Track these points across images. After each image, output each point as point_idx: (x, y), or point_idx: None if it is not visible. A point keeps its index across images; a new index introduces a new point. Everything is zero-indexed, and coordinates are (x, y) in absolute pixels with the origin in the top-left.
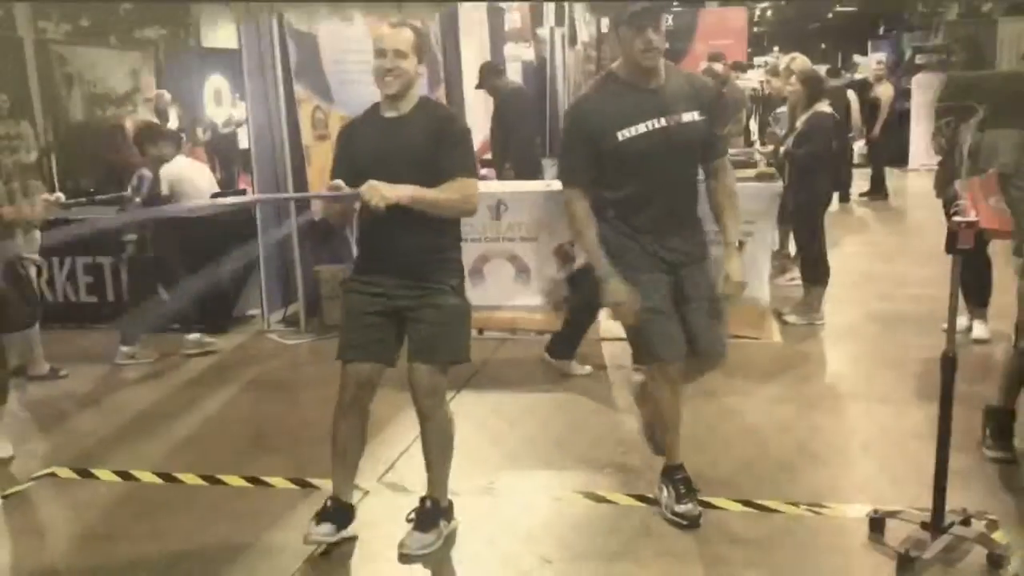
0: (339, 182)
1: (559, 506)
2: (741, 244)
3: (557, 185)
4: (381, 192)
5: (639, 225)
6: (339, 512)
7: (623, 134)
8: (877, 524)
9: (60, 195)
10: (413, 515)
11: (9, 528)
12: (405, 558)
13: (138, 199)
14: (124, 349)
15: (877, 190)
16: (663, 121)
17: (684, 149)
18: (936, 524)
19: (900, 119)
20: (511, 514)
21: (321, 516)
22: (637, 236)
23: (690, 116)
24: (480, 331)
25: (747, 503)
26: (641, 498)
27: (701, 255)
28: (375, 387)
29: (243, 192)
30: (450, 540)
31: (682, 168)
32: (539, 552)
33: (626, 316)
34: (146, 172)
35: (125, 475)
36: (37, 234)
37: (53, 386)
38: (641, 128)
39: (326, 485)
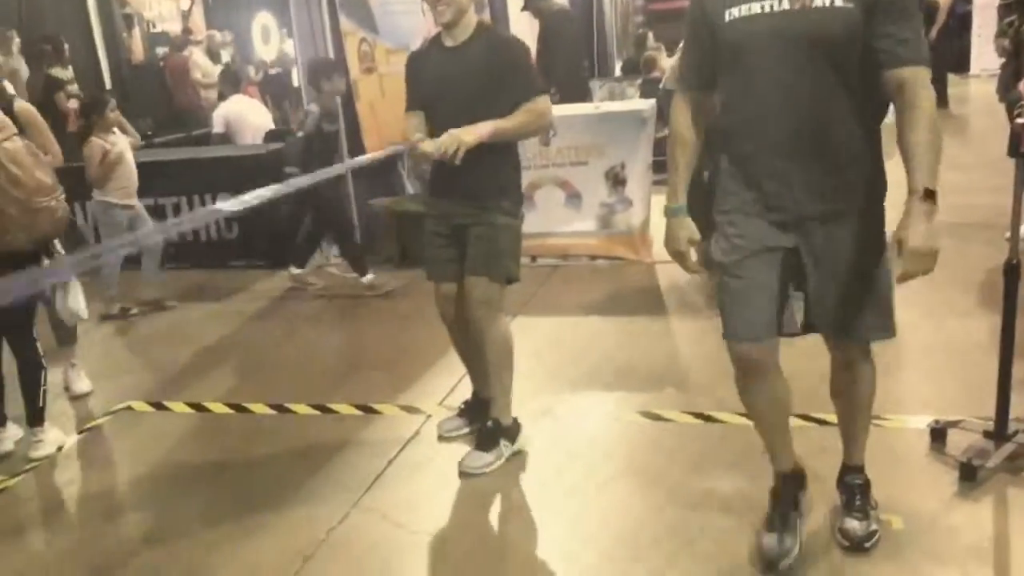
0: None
1: (619, 426)
2: (934, 195)
3: (606, 107)
4: (461, 139)
5: (748, 158)
6: (472, 407)
7: (731, 13)
8: (938, 434)
9: None
10: (476, 434)
11: (90, 457)
12: (464, 476)
13: (301, 132)
14: (295, 271)
15: (938, 98)
16: (784, 3)
17: (815, 45)
18: (1000, 432)
19: (961, 23)
20: (571, 436)
21: (457, 413)
22: (745, 174)
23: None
24: (533, 258)
25: (806, 417)
26: (700, 416)
27: (851, 206)
28: (459, 303)
29: (295, 134)
30: (513, 461)
31: (814, 74)
32: (601, 472)
33: (685, 268)
34: (313, 107)
35: (197, 406)
36: (127, 180)
37: (125, 325)
38: (755, 7)
39: (389, 411)
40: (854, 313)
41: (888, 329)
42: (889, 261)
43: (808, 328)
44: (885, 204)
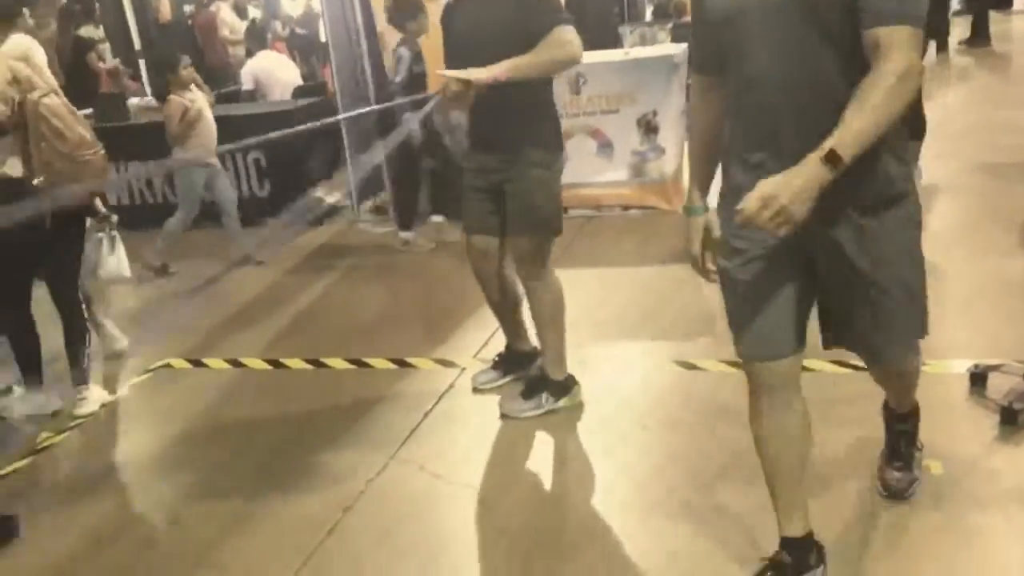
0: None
1: (653, 375)
2: (836, 160)
3: (637, 53)
4: (471, 75)
5: (746, 147)
6: (505, 360)
7: None
8: (978, 378)
9: (151, 99)
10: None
11: (131, 414)
12: (503, 417)
13: (398, 79)
14: (403, 235)
15: (979, 36)
16: None
17: (802, 14)
18: None
19: None
20: (605, 384)
21: (491, 365)
22: (746, 165)
23: None
24: (565, 210)
25: (841, 363)
26: (734, 364)
27: (865, 204)
28: (492, 256)
29: (325, 84)
30: (554, 413)
31: (806, 48)
32: (635, 419)
33: (699, 273)
34: (404, 51)
35: (235, 363)
36: (207, 137)
37: (164, 283)
38: None
39: (424, 364)
40: (879, 332)
41: (919, 330)
42: (917, 251)
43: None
44: (910, 188)
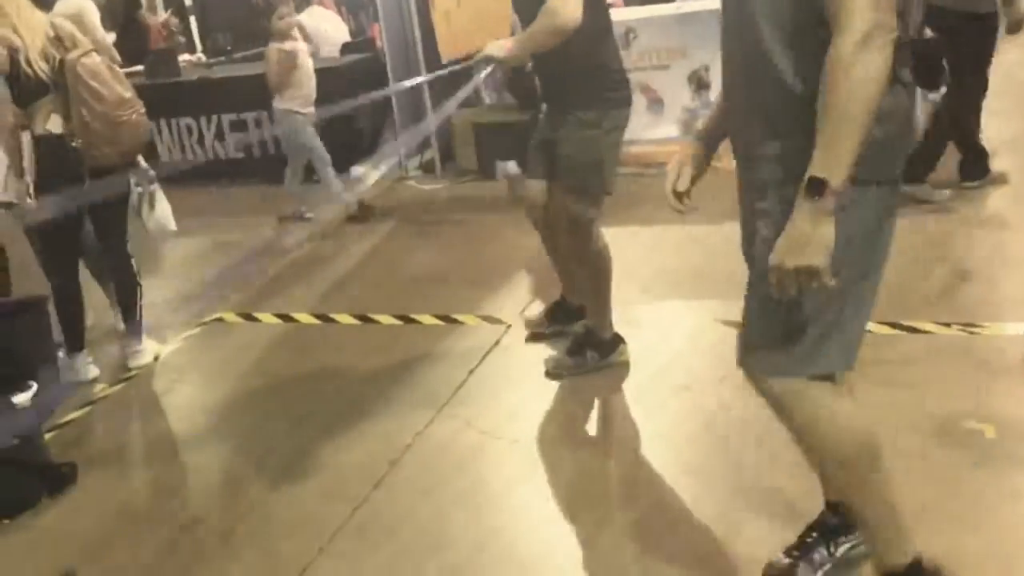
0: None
1: (699, 334)
2: (819, 187)
3: (689, 7)
4: (497, 57)
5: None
6: (556, 310)
7: None
8: None
9: (201, 55)
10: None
11: (184, 366)
12: (548, 375)
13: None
14: (513, 171)
15: None
16: None
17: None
18: None
19: None
20: (651, 342)
21: (543, 312)
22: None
23: None
24: None
25: (895, 325)
26: None
27: (772, 178)
28: (541, 203)
29: (373, 41)
30: (601, 373)
31: (746, 33)
32: (680, 379)
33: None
34: None
35: (285, 317)
36: (304, 86)
37: (215, 237)
38: None
39: (470, 321)
40: (748, 318)
41: (784, 366)
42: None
43: None
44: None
